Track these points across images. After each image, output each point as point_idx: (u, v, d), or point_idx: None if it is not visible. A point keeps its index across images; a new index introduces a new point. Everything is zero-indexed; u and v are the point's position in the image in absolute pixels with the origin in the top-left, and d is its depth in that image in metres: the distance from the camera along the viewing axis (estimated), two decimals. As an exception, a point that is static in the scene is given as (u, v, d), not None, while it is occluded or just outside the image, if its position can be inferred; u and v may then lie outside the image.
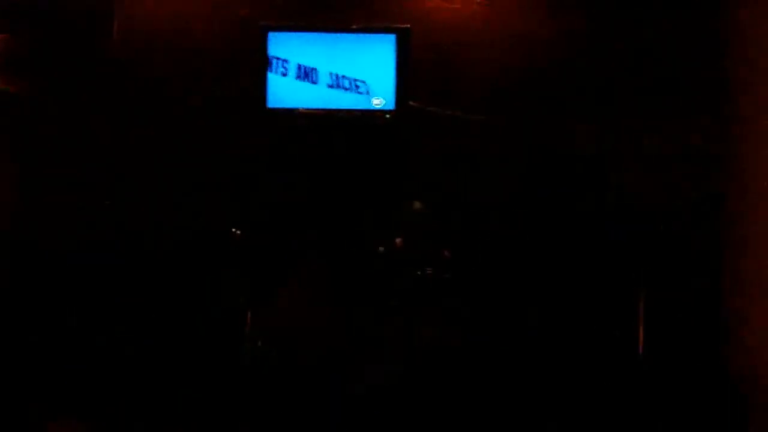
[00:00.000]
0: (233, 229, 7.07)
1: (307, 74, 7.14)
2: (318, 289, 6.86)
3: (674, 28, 7.02)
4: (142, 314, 6.84)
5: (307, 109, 7.15)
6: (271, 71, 7.11)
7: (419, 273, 6.95)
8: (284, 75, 7.14)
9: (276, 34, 7.11)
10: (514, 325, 7.02)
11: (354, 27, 7.10)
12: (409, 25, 7.09)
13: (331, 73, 7.12)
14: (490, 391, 6.62)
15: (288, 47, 7.14)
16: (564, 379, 6.77)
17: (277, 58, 7.12)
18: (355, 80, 7.13)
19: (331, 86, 7.14)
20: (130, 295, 6.86)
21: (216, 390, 6.47)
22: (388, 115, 7.05)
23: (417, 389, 6.44)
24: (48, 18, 7.02)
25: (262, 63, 7.09)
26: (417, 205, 7.06)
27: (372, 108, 7.11)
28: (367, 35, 7.12)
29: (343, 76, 7.13)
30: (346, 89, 7.12)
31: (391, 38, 7.09)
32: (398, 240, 6.89)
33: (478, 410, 6.51)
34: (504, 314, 7.06)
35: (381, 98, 7.10)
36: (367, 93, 7.11)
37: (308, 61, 7.12)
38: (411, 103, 7.10)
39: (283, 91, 7.15)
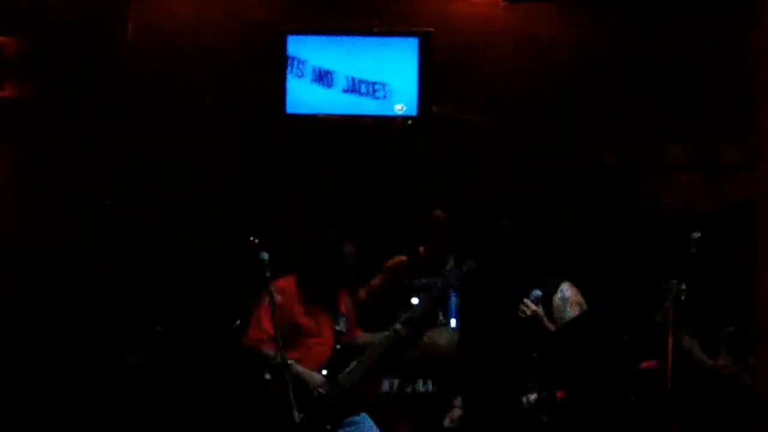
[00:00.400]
0: (251, 238, 6.88)
1: (324, 78, 7.02)
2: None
3: (700, 36, 6.94)
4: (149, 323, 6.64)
5: (327, 114, 7.01)
6: (290, 74, 6.97)
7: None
8: (301, 77, 7.00)
9: (296, 37, 6.97)
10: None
11: (375, 30, 6.98)
12: (432, 29, 6.96)
13: (351, 78, 7.00)
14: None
15: (307, 51, 7.01)
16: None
17: (296, 61, 6.98)
18: (375, 84, 7.00)
19: (350, 91, 7.01)
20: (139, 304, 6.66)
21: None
22: (410, 121, 6.91)
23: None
24: (61, 21, 6.89)
25: (281, 68, 6.96)
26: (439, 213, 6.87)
27: (393, 114, 6.97)
28: (389, 39, 6.99)
29: (364, 81, 7.00)
30: (363, 94, 7.00)
31: (414, 42, 6.97)
32: (421, 249, 6.72)
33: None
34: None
35: (402, 103, 6.96)
36: (385, 98, 6.97)
37: (328, 65, 6.99)
38: (434, 108, 6.96)
39: (303, 96, 7.01)
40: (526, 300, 6.26)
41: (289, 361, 5.47)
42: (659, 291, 6.90)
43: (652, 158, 6.93)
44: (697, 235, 6.08)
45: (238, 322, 6.26)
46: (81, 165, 6.95)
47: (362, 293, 6.66)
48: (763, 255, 6.33)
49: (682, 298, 6.49)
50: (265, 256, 5.46)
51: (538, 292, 6.28)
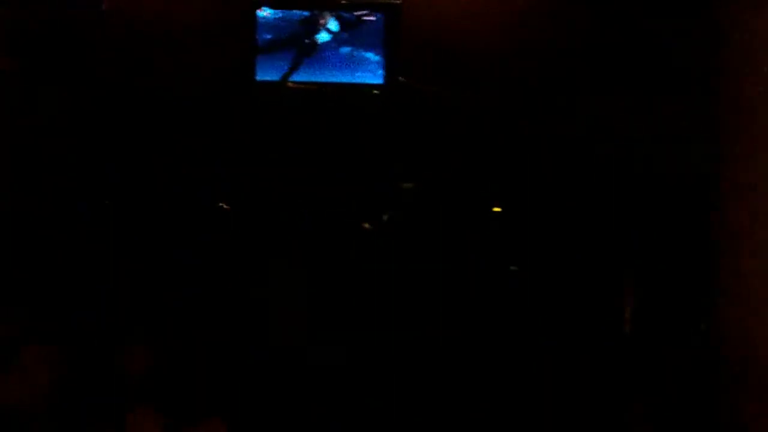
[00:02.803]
0: (221, 204, 7.00)
1: (296, 48, 7.10)
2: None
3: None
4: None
5: (297, 82, 7.10)
6: (259, 44, 7.05)
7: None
8: (273, 49, 7.08)
9: (265, 8, 7.04)
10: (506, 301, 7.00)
11: (343, 2, 7.05)
12: (399, 1, 7.04)
13: (320, 48, 7.07)
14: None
15: (277, 21, 7.08)
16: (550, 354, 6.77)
17: (266, 32, 7.06)
18: (344, 55, 7.09)
19: (320, 60, 7.09)
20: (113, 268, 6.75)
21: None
22: (376, 91, 7.01)
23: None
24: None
25: (250, 36, 7.03)
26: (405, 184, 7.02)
27: (361, 82, 7.06)
28: (356, 11, 7.06)
29: (333, 51, 7.09)
30: (335, 63, 7.08)
31: (380, 14, 7.05)
32: (385, 217, 6.84)
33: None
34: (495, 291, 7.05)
35: (370, 73, 7.06)
36: (357, 68, 7.06)
37: (297, 35, 7.06)
38: (400, 78, 7.05)
39: (272, 65, 7.09)
40: None
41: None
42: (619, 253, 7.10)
43: (617, 127, 7.01)
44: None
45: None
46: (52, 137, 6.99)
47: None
48: (725, 221, 6.46)
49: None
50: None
51: None
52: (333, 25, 7.05)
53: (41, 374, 5.48)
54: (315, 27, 7.06)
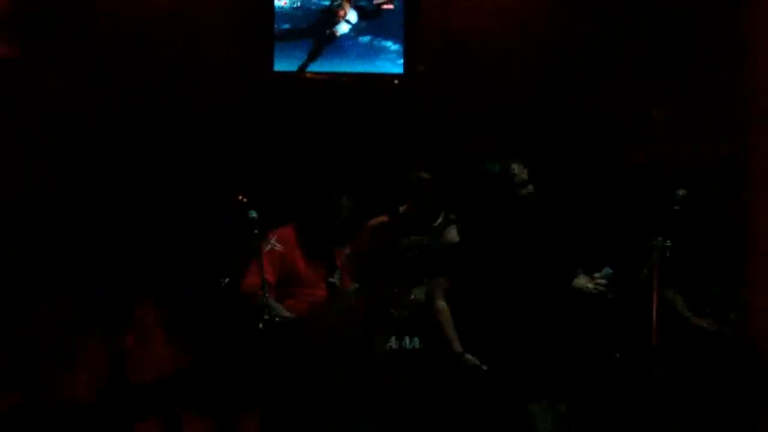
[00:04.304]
0: (239, 196, 6.80)
1: (314, 37, 7.04)
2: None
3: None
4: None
5: (315, 72, 7.01)
6: (276, 34, 6.98)
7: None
8: (290, 38, 7.01)
9: (283, -3, 7.01)
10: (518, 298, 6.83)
11: (363, -13, 7.05)
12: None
13: (339, 37, 7.02)
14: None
15: (294, 11, 7.03)
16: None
17: (284, 21, 7.00)
18: (363, 44, 7.04)
19: (339, 50, 7.02)
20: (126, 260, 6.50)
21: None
22: (396, 80, 6.94)
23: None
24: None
25: (267, 26, 6.96)
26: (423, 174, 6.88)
27: (380, 72, 7.00)
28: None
29: (351, 40, 7.04)
30: (354, 53, 7.02)
31: (399, 2, 7.03)
32: (402, 208, 6.70)
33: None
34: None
35: (389, 62, 7.01)
36: (376, 57, 7.01)
37: (315, 25, 7.01)
38: (419, 67, 7.00)
39: (290, 55, 7.00)
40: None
41: (284, 312, 5.43)
42: (644, 248, 6.98)
43: (636, 116, 6.99)
44: (682, 192, 6.15)
45: (227, 280, 6.17)
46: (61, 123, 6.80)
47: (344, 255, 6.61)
48: (755, 206, 6.40)
49: (667, 254, 6.56)
50: (254, 213, 5.41)
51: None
52: (352, 14, 7.01)
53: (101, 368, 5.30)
54: (333, 16, 7.01)
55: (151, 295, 6.34)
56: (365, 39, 7.04)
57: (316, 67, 7.02)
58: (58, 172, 6.74)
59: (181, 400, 5.84)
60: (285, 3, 6.98)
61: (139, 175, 6.86)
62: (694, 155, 6.97)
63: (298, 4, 7.01)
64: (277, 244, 5.57)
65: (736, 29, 6.33)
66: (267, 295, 5.35)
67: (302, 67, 6.98)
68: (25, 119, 6.68)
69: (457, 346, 5.53)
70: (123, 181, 6.85)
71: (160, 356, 5.95)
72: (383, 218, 6.66)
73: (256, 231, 5.40)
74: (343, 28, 7.02)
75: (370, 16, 7.03)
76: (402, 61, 7.05)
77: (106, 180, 6.81)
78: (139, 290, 6.37)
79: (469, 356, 5.56)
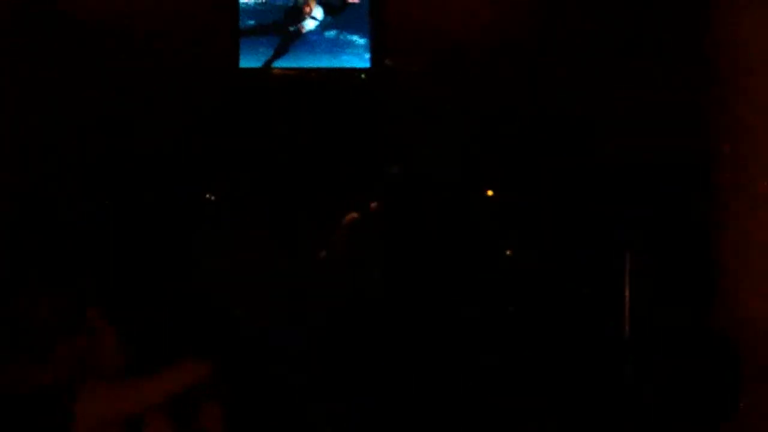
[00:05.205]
0: (207, 195, 6.74)
1: (279, 33, 6.96)
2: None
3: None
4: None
5: (281, 68, 6.94)
6: (242, 30, 6.90)
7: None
8: (256, 35, 6.93)
9: (247, -8, 6.94)
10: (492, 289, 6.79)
11: (327, -16, 6.98)
12: (383, -17, 6.99)
13: (305, 33, 6.94)
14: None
15: (258, 6, 6.96)
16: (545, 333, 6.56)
17: (248, 17, 6.92)
18: (330, 39, 6.97)
19: (305, 45, 6.95)
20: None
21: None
22: (363, 75, 6.88)
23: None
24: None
25: (232, 22, 6.89)
26: (393, 169, 6.84)
27: (347, 66, 6.93)
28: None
29: (318, 35, 6.96)
30: (320, 48, 6.95)
31: (365, -1, 6.98)
32: (373, 205, 6.64)
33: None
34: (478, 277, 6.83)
35: (356, 56, 6.94)
36: (342, 52, 6.94)
37: (280, 20, 6.94)
38: (386, 62, 6.94)
39: (256, 51, 6.93)
40: None
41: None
42: (616, 242, 6.94)
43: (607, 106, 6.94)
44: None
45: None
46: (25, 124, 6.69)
47: (322, 252, 6.56)
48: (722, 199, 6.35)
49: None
50: None
51: None
52: (318, 10, 6.94)
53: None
54: (299, 13, 6.94)
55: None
56: (331, 34, 6.97)
57: (282, 63, 6.93)
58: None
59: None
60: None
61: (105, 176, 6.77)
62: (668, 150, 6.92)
63: (263, 0, 6.93)
64: None
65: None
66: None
67: (268, 63, 6.90)
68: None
69: None
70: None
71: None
72: (355, 215, 6.60)
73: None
74: (309, 25, 6.94)
75: (336, 11, 6.95)
76: (368, 55, 6.95)
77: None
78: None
79: None
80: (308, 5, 6.93)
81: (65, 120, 6.73)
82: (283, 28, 6.91)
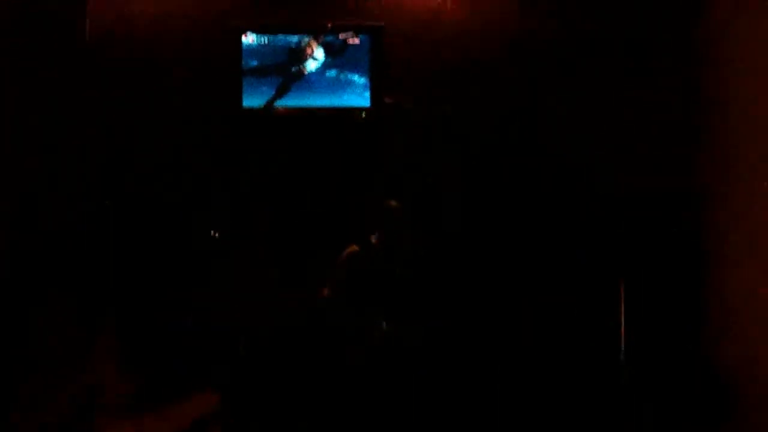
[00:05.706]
0: (212, 232, 6.88)
1: (282, 73, 7.14)
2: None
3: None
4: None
5: (284, 107, 7.11)
6: (245, 70, 7.08)
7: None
8: (259, 75, 7.11)
9: (250, 34, 7.10)
10: (491, 317, 6.92)
11: (329, 26, 7.14)
12: (383, 24, 7.16)
13: (306, 72, 7.12)
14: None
15: (262, 47, 7.14)
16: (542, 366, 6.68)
17: (251, 58, 7.10)
18: (331, 78, 7.15)
19: (307, 84, 7.13)
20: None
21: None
22: (364, 113, 7.05)
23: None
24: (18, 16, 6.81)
25: (236, 62, 7.06)
26: (392, 203, 6.99)
27: (348, 105, 7.11)
28: (341, 34, 7.16)
29: (319, 74, 7.14)
30: (322, 87, 7.13)
31: (365, 37, 7.15)
32: (374, 237, 6.80)
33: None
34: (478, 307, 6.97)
35: (357, 95, 7.12)
36: (343, 91, 7.12)
37: (283, 61, 7.11)
38: (386, 99, 7.11)
39: (258, 91, 7.10)
40: None
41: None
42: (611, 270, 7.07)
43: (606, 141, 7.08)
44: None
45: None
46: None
47: (325, 290, 6.69)
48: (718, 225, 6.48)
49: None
50: None
51: None
52: (319, 51, 7.13)
53: None
54: (301, 54, 7.12)
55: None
56: (332, 73, 7.15)
57: (284, 102, 7.10)
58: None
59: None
60: (252, 40, 7.07)
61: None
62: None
63: (265, 41, 7.11)
64: None
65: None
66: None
67: (270, 102, 7.07)
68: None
69: None
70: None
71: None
72: (355, 248, 6.75)
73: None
74: (310, 66, 7.12)
75: (336, 52, 7.13)
76: (368, 93, 7.13)
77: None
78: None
79: None
80: (310, 46, 7.11)
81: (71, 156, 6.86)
82: (285, 69, 7.09)
